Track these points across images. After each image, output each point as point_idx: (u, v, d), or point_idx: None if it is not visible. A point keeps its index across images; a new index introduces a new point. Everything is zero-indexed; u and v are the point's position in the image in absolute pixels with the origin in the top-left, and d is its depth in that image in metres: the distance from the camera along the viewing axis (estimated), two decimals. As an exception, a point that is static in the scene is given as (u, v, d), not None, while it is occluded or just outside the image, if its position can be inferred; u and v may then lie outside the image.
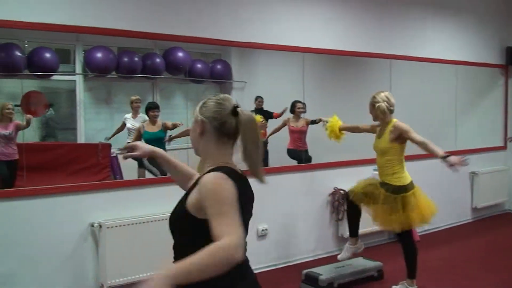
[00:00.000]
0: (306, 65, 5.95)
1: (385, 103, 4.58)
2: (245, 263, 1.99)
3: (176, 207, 1.99)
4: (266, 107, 6.61)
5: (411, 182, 4.64)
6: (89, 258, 4.43)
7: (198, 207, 1.83)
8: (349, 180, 5.46)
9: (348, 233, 5.14)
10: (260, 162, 1.98)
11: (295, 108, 6.29)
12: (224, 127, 1.96)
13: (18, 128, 5.15)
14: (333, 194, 5.93)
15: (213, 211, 1.74)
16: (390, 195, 4.58)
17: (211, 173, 1.84)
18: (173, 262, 1.98)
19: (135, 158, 2.54)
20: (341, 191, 5.84)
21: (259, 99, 6.59)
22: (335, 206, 5.92)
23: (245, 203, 1.93)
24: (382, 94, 4.64)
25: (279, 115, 6.48)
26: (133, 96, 6.06)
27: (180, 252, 1.97)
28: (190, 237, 1.91)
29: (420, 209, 4.60)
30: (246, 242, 1.98)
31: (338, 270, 5.06)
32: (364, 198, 4.76)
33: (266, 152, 6.46)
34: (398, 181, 4.59)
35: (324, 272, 4.97)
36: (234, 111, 1.96)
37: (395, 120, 4.62)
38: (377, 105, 4.60)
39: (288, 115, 6.38)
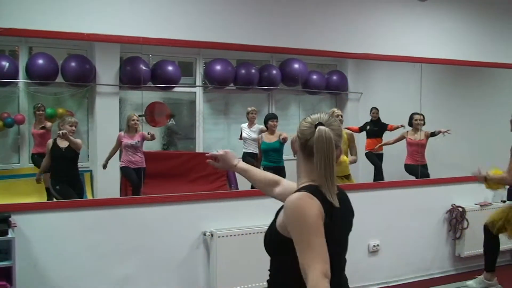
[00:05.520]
0: (424, 76, 5.72)
1: None
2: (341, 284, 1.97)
3: (268, 228, 1.99)
4: (382, 118, 6.48)
5: None
6: (200, 266, 4.56)
7: (285, 227, 1.85)
8: (468, 197, 5.19)
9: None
10: (333, 180, 1.89)
11: (413, 121, 6.10)
12: (307, 146, 1.93)
13: (144, 138, 5.47)
14: (450, 211, 5.63)
15: (297, 239, 1.77)
16: None
17: (295, 194, 1.84)
18: (268, 281, 2.02)
19: None
20: (459, 209, 5.55)
21: (374, 110, 6.52)
22: (453, 224, 5.64)
23: (338, 218, 1.90)
24: None
25: (394, 128, 6.34)
26: (250, 107, 6.23)
27: (274, 272, 2.00)
28: (283, 257, 1.92)
29: None
30: (345, 260, 1.99)
31: (454, 292, 4.84)
32: (503, 226, 4.69)
33: (380, 167, 6.36)
34: None
35: (438, 294, 4.78)
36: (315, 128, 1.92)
37: None
38: None
39: (406, 127, 6.19)
